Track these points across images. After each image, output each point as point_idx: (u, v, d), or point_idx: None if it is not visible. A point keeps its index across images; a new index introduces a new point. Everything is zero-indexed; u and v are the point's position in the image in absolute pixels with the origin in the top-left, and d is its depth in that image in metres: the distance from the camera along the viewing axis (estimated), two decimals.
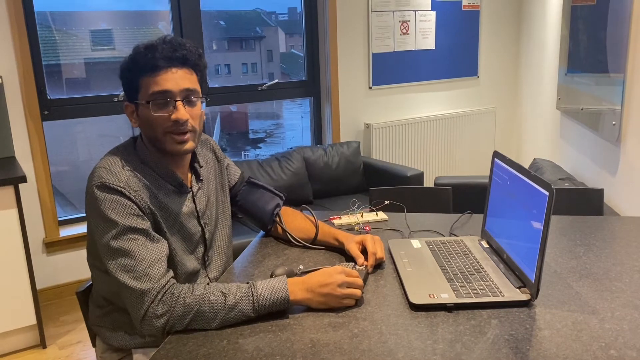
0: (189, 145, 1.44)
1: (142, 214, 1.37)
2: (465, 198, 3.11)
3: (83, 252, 3.53)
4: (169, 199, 1.47)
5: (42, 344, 2.97)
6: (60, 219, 3.53)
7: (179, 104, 1.40)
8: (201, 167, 1.59)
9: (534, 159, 3.95)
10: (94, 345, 1.62)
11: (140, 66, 1.39)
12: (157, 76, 1.39)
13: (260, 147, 5.26)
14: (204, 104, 1.49)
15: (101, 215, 1.33)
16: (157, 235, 1.38)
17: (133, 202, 1.36)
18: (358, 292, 1.36)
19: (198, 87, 1.45)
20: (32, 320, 2.90)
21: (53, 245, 3.44)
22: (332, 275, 1.35)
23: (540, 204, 1.34)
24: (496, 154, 1.69)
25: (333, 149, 4.15)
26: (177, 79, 1.40)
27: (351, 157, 4.16)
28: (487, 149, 5.14)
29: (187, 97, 1.42)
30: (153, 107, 1.39)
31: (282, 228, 1.78)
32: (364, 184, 4.21)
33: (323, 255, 1.70)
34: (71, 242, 3.48)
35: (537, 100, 4.78)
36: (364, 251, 1.60)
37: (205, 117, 1.55)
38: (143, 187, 1.40)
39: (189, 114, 1.41)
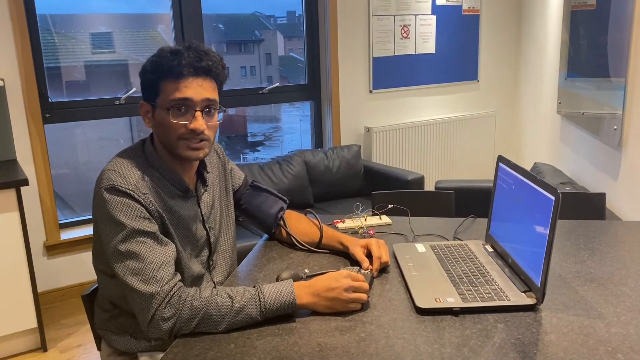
0: (202, 153, 1.44)
1: (150, 217, 1.37)
2: (466, 202, 3.11)
3: (84, 255, 3.53)
4: (176, 202, 1.47)
5: (43, 347, 2.96)
6: (60, 222, 3.53)
7: (198, 114, 1.40)
8: (208, 172, 1.60)
9: (535, 163, 3.95)
10: (99, 348, 1.62)
11: (165, 70, 1.39)
12: (180, 83, 1.39)
13: (259, 150, 5.26)
14: (221, 114, 1.49)
15: (110, 217, 1.33)
16: (165, 238, 1.39)
17: (142, 205, 1.36)
18: (364, 296, 1.36)
19: (217, 98, 1.46)
20: (33, 323, 2.89)
21: (54, 248, 3.44)
22: (338, 280, 1.35)
23: (546, 208, 1.34)
24: (501, 159, 1.70)
25: (334, 152, 4.16)
26: (199, 88, 1.40)
27: (352, 160, 4.17)
28: (487, 153, 5.15)
29: (207, 107, 1.43)
30: (172, 113, 1.39)
31: (287, 232, 1.78)
32: (364, 188, 4.21)
33: (328, 259, 1.70)
34: (72, 245, 3.48)
35: (537, 104, 4.79)
36: (369, 255, 1.60)
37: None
38: (151, 190, 1.41)
39: (206, 124, 1.42)
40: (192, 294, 1.30)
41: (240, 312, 1.28)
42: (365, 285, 1.38)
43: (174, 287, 1.31)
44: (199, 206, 1.54)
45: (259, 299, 1.30)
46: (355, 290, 1.35)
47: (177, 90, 1.39)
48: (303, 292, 1.34)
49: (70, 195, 3.95)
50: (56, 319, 3.31)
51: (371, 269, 1.53)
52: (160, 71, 1.40)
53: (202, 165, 1.57)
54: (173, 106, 1.39)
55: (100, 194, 1.35)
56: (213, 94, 1.44)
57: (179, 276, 1.36)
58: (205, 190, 1.58)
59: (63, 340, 3.08)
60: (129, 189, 1.35)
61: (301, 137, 4.75)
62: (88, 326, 3.20)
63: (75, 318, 3.31)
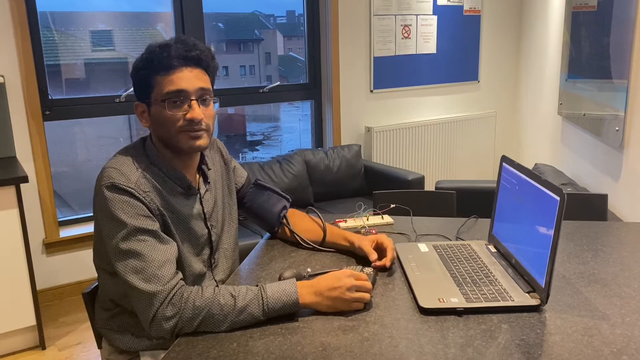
0: (203, 141, 1.44)
1: (151, 215, 1.36)
2: (466, 202, 3.11)
3: (83, 253, 3.51)
4: (177, 200, 1.46)
5: (42, 345, 2.95)
6: (60, 219, 3.51)
7: (194, 103, 1.40)
8: (209, 169, 1.59)
9: (535, 164, 3.95)
10: (99, 347, 1.61)
11: (155, 65, 1.39)
12: (172, 75, 1.39)
13: (257, 150, 5.25)
14: (217, 104, 1.48)
15: (111, 216, 1.32)
16: (166, 236, 1.38)
17: (143, 203, 1.35)
18: (367, 295, 1.36)
19: (211, 88, 1.46)
20: (32, 321, 2.88)
21: (53, 246, 3.42)
22: (341, 279, 1.34)
23: (551, 208, 1.33)
24: (504, 159, 1.69)
25: (334, 152, 4.15)
26: (192, 78, 1.40)
27: (352, 160, 4.16)
28: (487, 153, 5.15)
29: (202, 96, 1.42)
30: (168, 105, 1.39)
31: (290, 230, 1.77)
32: (364, 188, 4.21)
33: (330, 258, 1.69)
34: (71, 243, 3.47)
35: (538, 105, 4.78)
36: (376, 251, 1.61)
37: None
38: (152, 188, 1.40)
39: (203, 113, 1.41)
40: (194, 293, 1.29)
41: (243, 311, 1.28)
42: (368, 284, 1.37)
43: (175, 285, 1.30)
44: (201, 204, 1.53)
45: (262, 298, 1.29)
46: (358, 289, 1.35)
47: (170, 82, 1.39)
48: (305, 292, 1.33)
49: (69, 193, 3.94)
50: (55, 317, 3.30)
51: (374, 269, 1.52)
52: (152, 66, 1.39)
53: (204, 161, 1.56)
54: (168, 98, 1.39)
55: (101, 191, 1.34)
56: (206, 83, 1.44)
57: (180, 275, 1.35)
58: (208, 189, 1.57)
59: (62, 338, 3.07)
60: (129, 187, 1.34)
61: (300, 136, 4.74)
62: (87, 324, 3.19)
63: (74, 316, 3.30)
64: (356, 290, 1.34)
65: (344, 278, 1.35)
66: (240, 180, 1.74)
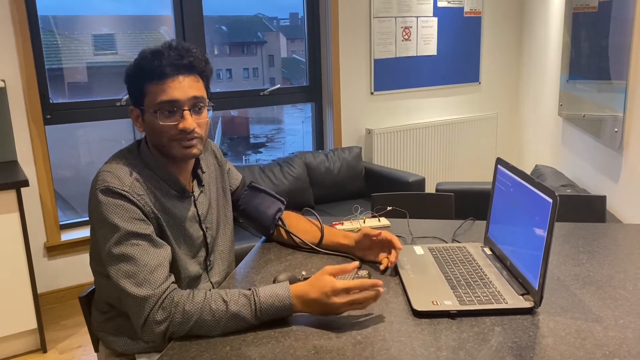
0: (196, 150, 1.44)
1: (145, 219, 1.37)
2: (466, 204, 3.10)
3: (84, 257, 3.53)
4: (172, 203, 1.47)
5: (43, 348, 2.96)
6: (61, 223, 3.53)
7: (187, 113, 1.40)
8: (204, 172, 1.59)
9: (536, 166, 3.95)
10: (96, 350, 1.62)
11: (147, 73, 1.38)
12: (164, 84, 1.38)
13: (260, 152, 5.26)
14: (210, 111, 1.48)
15: (104, 219, 1.33)
16: (160, 240, 1.38)
17: (137, 206, 1.35)
18: (361, 306, 1.31)
19: (205, 94, 1.45)
20: (33, 324, 2.89)
21: (54, 250, 3.44)
22: (330, 297, 1.28)
23: (544, 211, 1.33)
24: (499, 161, 1.69)
25: (334, 154, 4.15)
26: (185, 87, 1.39)
27: (353, 162, 4.16)
28: (488, 155, 5.14)
29: (195, 105, 1.42)
30: (160, 116, 1.39)
31: (286, 231, 1.77)
32: (365, 190, 4.21)
33: (327, 261, 1.69)
34: (72, 247, 3.48)
35: (538, 106, 4.78)
36: (375, 246, 1.62)
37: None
38: (147, 191, 1.40)
39: (195, 122, 1.41)
40: (185, 297, 1.29)
41: (235, 316, 1.27)
42: (360, 297, 1.30)
43: (166, 289, 1.30)
44: (196, 206, 1.54)
45: (255, 303, 1.28)
46: (352, 302, 1.29)
47: (162, 91, 1.38)
48: (297, 302, 1.30)
49: (72, 196, 3.96)
50: (56, 320, 3.32)
51: (368, 272, 1.52)
52: (143, 74, 1.39)
53: (198, 165, 1.57)
54: (161, 108, 1.38)
55: (96, 195, 1.35)
56: (199, 91, 1.42)
57: (172, 278, 1.35)
58: (202, 191, 1.57)
59: (63, 341, 3.08)
60: (124, 190, 1.35)
61: (303, 138, 4.75)
62: None
63: (75, 319, 3.31)
64: (350, 304, 1.29)
65: (334, 297, 1.28)
66: (235, 183, 1.74)
